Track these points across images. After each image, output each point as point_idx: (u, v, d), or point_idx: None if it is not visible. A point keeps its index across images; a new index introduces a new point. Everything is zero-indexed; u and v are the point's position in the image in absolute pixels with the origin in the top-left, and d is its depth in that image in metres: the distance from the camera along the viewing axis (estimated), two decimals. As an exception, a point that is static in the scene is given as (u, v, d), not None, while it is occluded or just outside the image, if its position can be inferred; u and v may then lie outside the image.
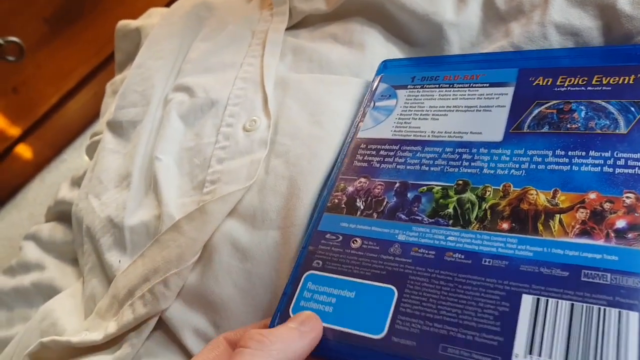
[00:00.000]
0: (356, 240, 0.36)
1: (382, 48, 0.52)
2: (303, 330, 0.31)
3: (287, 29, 0.59)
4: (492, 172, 0.36)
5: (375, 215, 0.37)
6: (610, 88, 0.36)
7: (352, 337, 0.32)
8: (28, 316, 0.56)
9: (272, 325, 0.34)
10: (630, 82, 0.36)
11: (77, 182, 0.63)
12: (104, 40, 1.21)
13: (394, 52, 0.52)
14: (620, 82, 0.36)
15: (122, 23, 0.71)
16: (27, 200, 1.20)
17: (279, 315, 0.35)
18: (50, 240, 0.61)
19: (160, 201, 0.46)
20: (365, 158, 0.41)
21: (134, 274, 0.43)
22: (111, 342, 0.43)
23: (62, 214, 0.62)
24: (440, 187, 0.36)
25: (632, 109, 0.35)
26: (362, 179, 0.40)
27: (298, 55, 0.54)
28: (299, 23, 0.60)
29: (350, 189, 0.39)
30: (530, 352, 0.27)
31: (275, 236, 0.40)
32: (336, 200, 0.39)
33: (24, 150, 1.26)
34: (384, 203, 0.38)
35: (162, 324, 0.42)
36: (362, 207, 0.38)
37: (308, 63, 0.53)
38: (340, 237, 0.37)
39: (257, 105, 0.49)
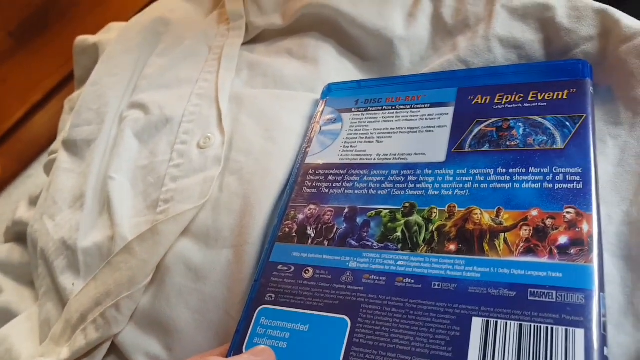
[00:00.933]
0: (308, 270, 0.36)
1: (335, 62, 0.52)
2: None
3: (244, 43, 0.59)
4: (437, 193, 0.36)
5: (326, 242, 0.37)
6: (545, 104, 0.37)
7: None
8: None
9: None
10: (564, 97, 0.37)
11: (34, 201, 0.62)
12: (70, 52, 1.20)
13: (347, 66, 0.52)
14: (554, 97, 0.37)
15: (80, 39, 0.71)
16: (-7, 217, 1.18)
17: (233, 353, 0.34)
18: (8, 262, 0.60)
19: (113, 222, 0.45)
20: (314, 184, 0.41)
21: (86, 297, 0.42)
22: (64, 369, 0.42)
23: (19, 234, 0.61)
24: (388, 211, 0.37)
25: (567, 123, 0.35)
26: (312, 206, 0.39)
27: (254, 71, 0.55)
28: (256, 38, 0.60)
29: (301, 216, 0.39)
30: None
31: (228, 255, 0.40)
32: (287, 229, 0.39)
33: (-11, 166, 1.24)
34: (334, 229, 0.37)
35: (115, 349, 0.42)
36: (312, 235, 0.38)
37: (263, 78, 0.53)
38: (292, 268, 0.37)
39: (212, 122, 0.49)
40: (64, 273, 0.46)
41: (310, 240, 0.38)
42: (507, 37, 0.44)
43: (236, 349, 0.34)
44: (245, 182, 0.43)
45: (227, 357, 0.34)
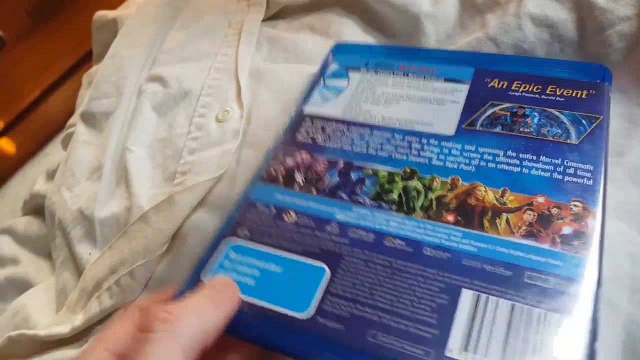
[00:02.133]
0: (290, 214, 0.35)
1: (359, 38, 0.52)
2: (217, 300, 0.28)
3: (265, 19, 0.58)
4: (441, 164, 0.35)
5: (314, 191, 0.36)
6: (563, 99, 0.37)
7: (273, 314, 0.30)
8: (2, 311, 0.55)
9: (180, 294, 0.31)
10: (583, 96, 0.37)
11: (52, 175, 0.62)
12: (85, 33, 1.19)
13: (371, 42, 0.52)
14: (573, 95, 0.37)
15: (99, 14, 0.70)
16: (8, 196, 1.18)
17: (190, 282, 0.32)
18: (26, 234, 0.60)
19: (130, 193, 0.45)
20: (310, 134, 0.40)
21: (102, 266, 0.42)
22: (79, 335, 0.42)
23: (37, 207, 0.61)
24: (386, 172, 0.36)
25: (584, 121, 0.35)
26: (304, 154, 0.39)
27: (274, 46, 0.54)
28: (277, 14, 0.59)
29: (290, 161, 0.39)
30: (466, 349, 0.27)
31: None
32: (273, 171, 0.38)
33: (5, 145, 1.25)
34: (326, 181, 0.37)
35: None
36: (301, 182, 0.37)
37: (284, 53, 0.53)
38: (274, 210, 0.36)
39: (231, 96, 0.49)
40: (80, 242, 0.46)
41: (297, 187, 0.37)
42: (539, 15, 0.43)
43: (193, 278, 0.32)
44: (262, 156, 0.42)
45: (182, 287, 0.32)
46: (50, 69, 1.24)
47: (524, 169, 0.34)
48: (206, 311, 0.27)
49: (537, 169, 0.33)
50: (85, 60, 1.25)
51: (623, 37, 0.40)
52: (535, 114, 0.36)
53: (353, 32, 0.52)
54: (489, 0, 0.47)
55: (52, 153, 1.20)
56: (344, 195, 0.35)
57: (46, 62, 1.23)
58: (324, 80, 0.44)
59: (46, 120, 1.27)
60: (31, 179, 1.19)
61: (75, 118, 0.61)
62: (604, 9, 0.41)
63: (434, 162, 0.36)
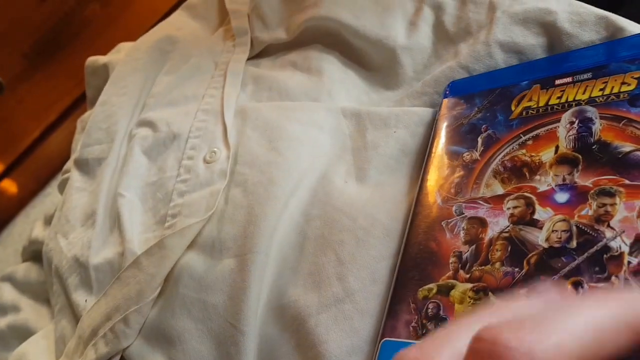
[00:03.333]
0: None
1: (339, 73, 0.53)
2: None
3: (250, 58, 0.60)
4: None
5: None
6: None
7: None
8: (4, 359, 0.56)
9: None
10: None
11: (49, 220, 0.63)
12: (83, 72, 1.23)
13: (352, 76, 0.53)
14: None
15: (91, 60, 0.72)
16: (12, 237, 1.20)
17: None
18: (25, 280, 0.61)
19: (123, 238, 0.46)
20: None
21: (97, 313, 0.43)
22: (78, 383, 0.43)
23: (36, 253, 0.62)
24: None
25: None
26: None
27: (259, 85, 0.55)
28: (261, 52, 0.61)
29: None
30: None
31: (231, 264, 0.41)
32: None
33: (8, 186, 1.26)
34: None
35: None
36: None
37: (268, 92, 0.54)
38: None
39: (217, 136, 0.50)
40: (77, 290, 0.47)
41: None
42: (507, 42, 0.44)
43: None
44: (249, 193, 0.43)
45: None
46: (50, 109, 1.26)
47: None
48: None
49: None
50: (83, 99, 1.27)
51: None
52: None
53: (334, 67, 0.53)
54: (461, 30, 0.48)
55: (53, 192, 1.22)
56: None
57: (46, 102, 1.25)
58: None
59: (47, 159, 1.28)
60: (33, 219, 1.21)
61: (70, 163, 0.62)
62: (569, 34, 0.42)
63: None
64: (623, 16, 0.42)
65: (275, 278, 0.41)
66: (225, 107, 0.52)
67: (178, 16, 0.71)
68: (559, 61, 0.40)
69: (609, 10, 0.42)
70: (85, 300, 0.46)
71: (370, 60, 0.53)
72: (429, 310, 0.32)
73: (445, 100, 0.44)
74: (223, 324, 0.39)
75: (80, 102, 1.27)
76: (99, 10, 1.25)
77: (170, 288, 0.42)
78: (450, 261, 0.33)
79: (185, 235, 0.43)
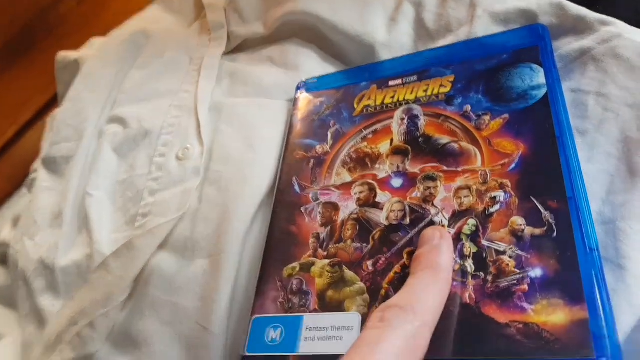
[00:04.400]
0: None
1: (318, 68, 0.52)
2: None
3: (227, 53, 0.58)
4: None
5: None
6: None
7: None
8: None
9: None
10: None
11: (17, 222, 0.61)
12: (58, 70, 1.20)
13: (330, 72, 0.51)
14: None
15: (61, 55, 0.70)
16: (-14, 239, 1.16)
17: None
18: None
19: (91, 239, 0.44)
20: None
21: (64, 317, 0.41)
22: (44, 391, 0.41)
23: (2, 256, 0.60)
24: None
25: None
26: None
27: (234, 80, 0.54)
28: (238, 47, 0.59)
29: None
30: None
31: (204, 265, 0.39)
32: None
33: (-19, 187, 1.23)
34: None
35: (93, 369, 0.40)
36: None
37: (244, 87, 0.52)
38: None
39: (191, 133, 0.48)
40: (43, 294, 0.45)
41: None
42: None
43: None
44: (223, 191, 0.42)
45: None
46: (24, 107, 1.23)
47: None
48: None
49: None
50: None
51: (565, 58, 0.41)
52: None
53: (312, 63, 0.52)
54: (441, 28, 0.47)
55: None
56: None
57: (20, 101, 1.22)
58: None
59: (22, 159, 1.24)
60: (9, 221, 1.18)
61: (37, 163, 0.60)
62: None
63: None
64: (602, 8, 0.41)
65: (248, 279, 0.39)
66: (200, 102, 0.50)
67: (152, 10, 0.69)
68: (393, 65, 0.46)
69: (588, 4, 0.42)
70: (52, 305, 0.44)
71: (348, 56, 0.52)
72: (294, 286, 0.36)
73: (298, 97, 0.48)
74: (193, 327, 0.38)
75: (56, 101, 1.24)
76: (75, 7, 1.22)
77: (140, 290, 0.40)
78: (310, 242, 0.38)
79: (155, 235, 0.41)
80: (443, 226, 0.34)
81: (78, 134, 0.54)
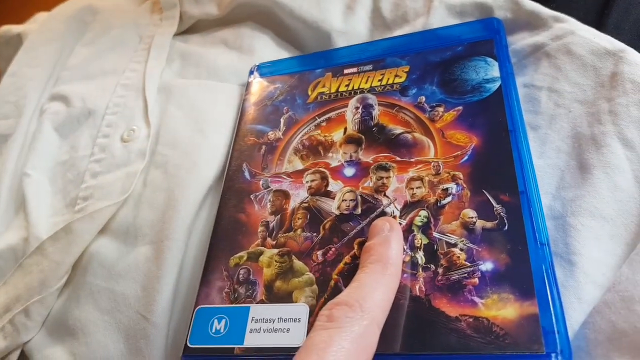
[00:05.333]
0: None
1: (273, 53, 0.51)
2: None
3: (178, 34, 0.56)
4: None
5: None
6: None
7: None
8: None
9: None
10: None
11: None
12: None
13: (285, 57, 0.50)
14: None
15: (4, 29, 0.66)
16: None
17: None
18: None
19: (28, 222, 0.42)
20: None
21: None
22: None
23: None
24: None
25: None
26: None
27: (186, 61, 0.52)
28: (191, 28, 0.57)
29: None
30: None
31: (146, 252, 0.38)
32: None
33: None
34: None
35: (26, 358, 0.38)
36: None
37: (195, 68, 0.51)
38: None
39: (137, 114, 0.46)
40: None
41: None
42: None
43: None
44: (170, 176, 0.40)
45: None
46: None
47: None
48: None
49: None
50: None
51: (519, 53, 0.41)
52: None
53: (267, 47, 0.51)
54: (398, 18, 0.47)
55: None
56: None
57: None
58: None
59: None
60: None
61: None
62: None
63: None
64: (556, 10, 0.42)
65: (193, 268, 0.38)
66: (148, 82, 0.48)
67: (102, -14, 0.66)
68: (349, 52, 0.45)
69: (543, 4, 0.42)
70: None
71: (304, 42, 0.52)
72: (240, 275, 0.35)
73: (251, 81, 0.47)
74: (133, 316, 0.36)
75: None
76: (20, -19, 1.17)
77: (78, 277, 0.39)
78: (259, 230, 0.37)
79: (95, 220, 0.39)
80: (394, 217, 0.34)
81: (18, 110, 0.51)
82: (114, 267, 0.38)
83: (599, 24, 0.45)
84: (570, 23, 0.40)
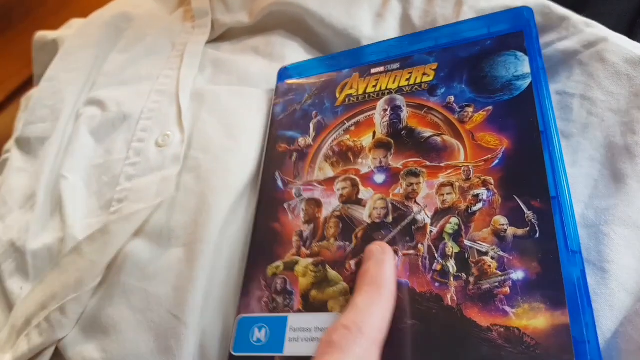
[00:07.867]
0: None
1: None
2: None
3: (210, 42, 0.57)
4: None
5: None
6: None
7: None
8: None
9: None
10: None
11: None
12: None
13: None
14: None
15: (40, 35, 0.68)
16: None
17: None
18: None
19: (64, 223, 0.43)
20: None
21: (32, 301, 0.40)
22: (8, 377, 0.39)
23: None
24: None
25: None
26: None
27: (218, 68, 0.53)
28: (222, 36, 0.58)
29: None
30: None
31: (179, 254, 0.38)
32: None
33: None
34: None
35: (60, 356, 0.39)
36: None
37: (227, 76, 0.52)
38: None
39: (171, 119, 0.47)
40: (12, 277, 0.44)
41: None
42: None
43: None
44: (202, 180, 0.41)
45: None
46: (-2, 88, 1.20)
47: None
48: None
49: None
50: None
51: (551, 58, 0.41)
52: None
53: (297, 54, 0.51)
54: (427, 24, 0.48)
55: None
56: None
57: (-8, 83, 1.19)
58: None
59: (-6, 143, 1.22)
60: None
61: (11, 143, 0.58)
62: None
63: None
64: (587, 17, 0.42)
65: (226, 272, 0.39)
66: (181, 88, 0.49)
67: (134, -6, 0.67)
68: (375, 50, 0.44)
69: (574, 10, 0.42)
70: (21, 288, 0.43)
71: (333, 49, 0.52)
72: (278, 285, 0.36)
73: (280, 85, 0.47)
74: (165, 315, 0.37)
75: (30, 84, 1.21)
76: (54, -12, 1.20)
77: (112, 277, 0.39)
78: (294, 240, 0.37)
79: (131, 221, 0.40)
80: (425, 225, 0.34)
81: (54, 114, 0.52)
82: (147, 267, 0.39)
83: (630, 34, 0.44)
84: (601, 29, 0.40)
